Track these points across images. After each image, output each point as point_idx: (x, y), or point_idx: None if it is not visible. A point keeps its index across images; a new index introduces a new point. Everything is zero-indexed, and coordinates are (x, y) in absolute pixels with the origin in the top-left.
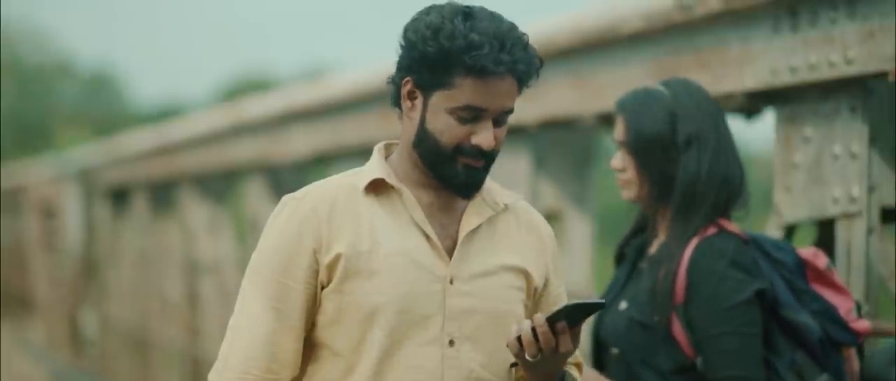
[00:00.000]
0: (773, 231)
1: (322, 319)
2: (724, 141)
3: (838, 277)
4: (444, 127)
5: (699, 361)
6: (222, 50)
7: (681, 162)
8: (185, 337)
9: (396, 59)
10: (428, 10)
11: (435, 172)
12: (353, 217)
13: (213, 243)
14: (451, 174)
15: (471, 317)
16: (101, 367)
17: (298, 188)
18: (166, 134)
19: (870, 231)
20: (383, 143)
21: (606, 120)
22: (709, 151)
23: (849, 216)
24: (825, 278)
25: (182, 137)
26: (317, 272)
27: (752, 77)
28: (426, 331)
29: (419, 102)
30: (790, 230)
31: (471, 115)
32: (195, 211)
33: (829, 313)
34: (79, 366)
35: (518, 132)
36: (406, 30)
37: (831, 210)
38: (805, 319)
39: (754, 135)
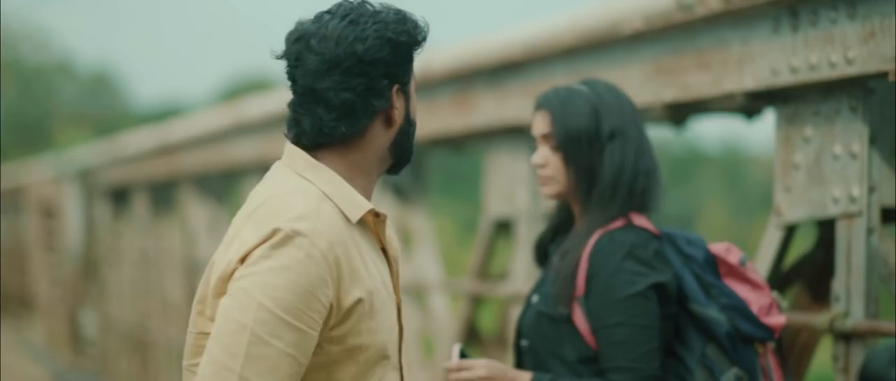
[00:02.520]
0: (773, 231)
1: (320, 360)
2: (644, 138)
3: (754, 272)
4: (416, 105)
5: None
6: (222, 50)
7: (604, 155)
8: (184, 337)
9: (359, 84)
10: (359, 18)
11: (404, 159)
12: (357, 254)
13: (213, 243)
14: (411, 152)
15: (405, 340)
16: (101, 367)
17: None
18: (166, 134)
19: (870, 231)
20: (300, 161)
21: None
22: (631, 144)
23: (849, 216)
24: (738, 274)
25: (182, 137)
26: (328, 318)
27: (753, 77)
28: (391, 359)
29: (402, 100)
30: (790, 230)
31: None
32: (195, 211)
33: (738, 308)
34: (79, 366)
35: (518, 132)
36: (377, 46)
37: (831, 210)
38: (712, 313)
39: (755, 135)
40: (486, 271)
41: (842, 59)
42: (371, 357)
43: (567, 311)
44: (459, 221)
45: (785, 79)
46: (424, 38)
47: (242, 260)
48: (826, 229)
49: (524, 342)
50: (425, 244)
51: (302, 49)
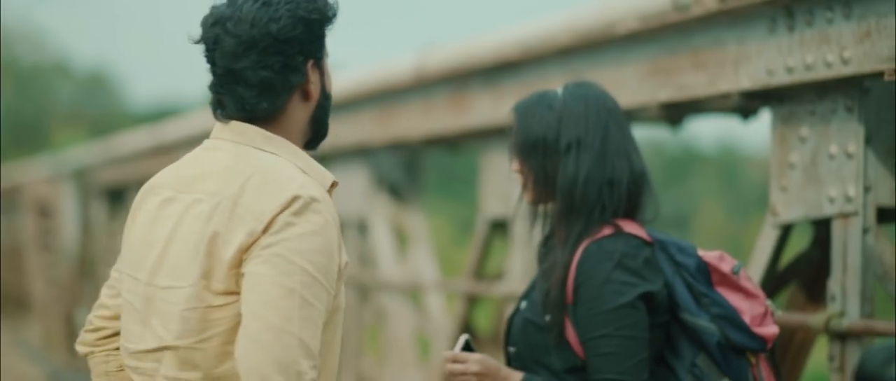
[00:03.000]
0: (769, 231)
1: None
2: (612, 146)
3: (748, 281)
4: (331, 80)
5: None
6: None
7: (560, 167)
8: None
9: (276, 61)
10: None
11: (322, 133)
12: None
13: None
14: (327, 126)
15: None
16: None
17: None
18: (162, 134)
19: (866, 231)
20: (257, 137)
21: None
22: (591, 156)
23: (845, 216)
24: (731, 282)
25: (178, 136)
26: (337, 280)
27: (749, 77)
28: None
29: (317, 75)
30: (786, 230)
31: None
32: None
33: (730, 318)
34: (75, 366)
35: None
36: (291, 25)
37: (827, 210)
38: (703, 322)
39: (751, 134)
40: (482, 270)
41: (838, 59)
42: (340, 317)
43: (556, 321)
44: (455, 221)
45: (781, 79)
46: (334, 14)
47: (266, 230)
48: (822, 228)
49: (512, 349)
50: (421, 244)
51: (219, 32)
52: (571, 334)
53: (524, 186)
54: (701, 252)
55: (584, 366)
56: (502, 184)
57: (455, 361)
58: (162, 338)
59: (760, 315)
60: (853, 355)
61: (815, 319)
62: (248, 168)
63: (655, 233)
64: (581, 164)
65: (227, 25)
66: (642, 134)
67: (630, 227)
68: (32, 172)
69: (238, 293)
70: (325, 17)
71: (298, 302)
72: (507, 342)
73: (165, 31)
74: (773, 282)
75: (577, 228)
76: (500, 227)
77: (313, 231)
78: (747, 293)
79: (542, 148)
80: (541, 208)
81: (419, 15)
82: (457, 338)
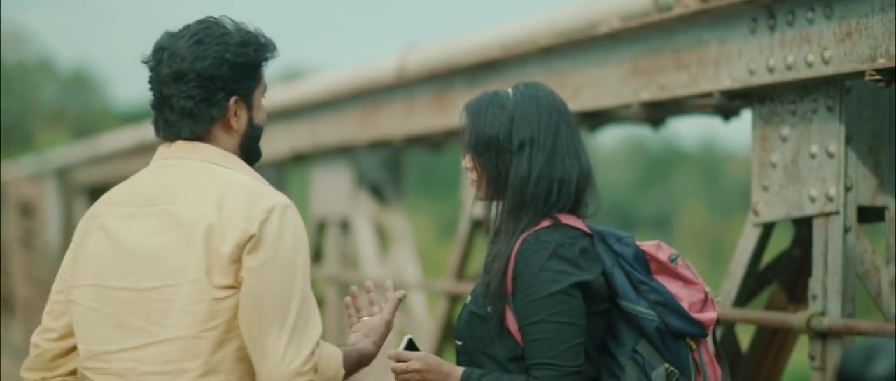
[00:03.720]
0: (750, 230)
1: None
2: (562, 145)
3: (686, 268)
4: (262, 112)
5: None
6: None
7: (512, 165)
8: None
9: (198, 94)
10: (206, 39)
11: (251, 159)
12: None
13: None
14: (258, 153)
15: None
16: None
17: (277, 187)
18: (145, 133)
19: (847, 230)
20: (214, 154)
21: (584, 119)
22: (543, 155)
23: (826, 215)
24: (669, 271)
25: None
26: None
27: (730, 77)
28: None
29: (244, 110)
30: (768, 229)
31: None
32: None
33: (668, 304)
34: None
35: None
36: (215, 65)
37: (808, 209)
38: (642, 309)
39: (733, 132)
40: (465, 270)
41: (819, 59)
42: None
43: (496, 310)
44: (438, 220)
45: (762, 78)
46: (265, 59)
47: (252, 236)
48: (803, 227)
49: (459, 342)
50: (403, 244)
51: (160, 59)
52: (512, 323)
53: (476, 184)
54: (638, 242)
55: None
56: None
57: (398, 360)
58: (155, 333)
59: (700, 302)
60: (834, 354)
61: (797, 318)
62: (221, 182)
63: (596, 226)
64: (533, 162)
65: (164, 55)
66: (624, 133)
67: (569, 219)
68: (15, 172)
69: (236, 287)
70: (252, 61)
71: (305, 285)
72: (456, 336)
73: (148, 32)
74: (755, 281)
75: (523, 222)
76: (482, 226)
77: (295, 231)
78: (686, 281)
79: (495, 147)
80: (492, 205)
81: (401, 15)
82: (400, 339)
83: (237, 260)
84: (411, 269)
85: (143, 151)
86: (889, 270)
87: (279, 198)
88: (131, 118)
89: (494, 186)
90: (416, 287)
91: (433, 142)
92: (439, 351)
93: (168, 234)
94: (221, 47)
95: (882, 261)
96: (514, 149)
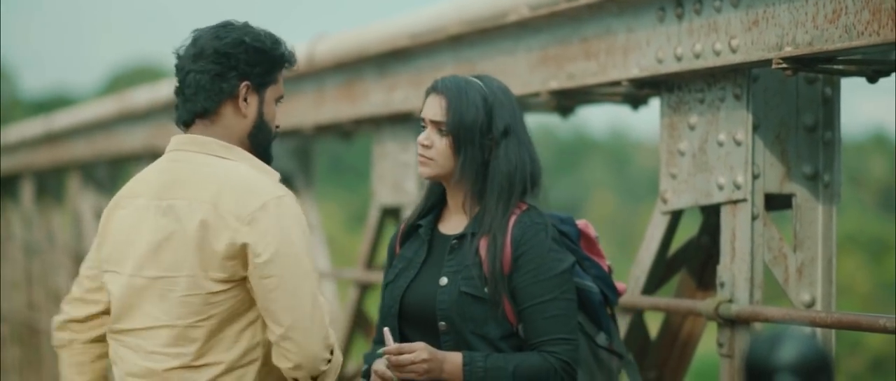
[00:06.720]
0: (658, 217)
1: None
2: (527, 135)
3: (599, 244)
4: (274, 114)
5: (520, 327)
6: (111, 39)
7: (499, 151)
8: None
9: (213, 69)
10: (231, 26)
11: (265, 153)
12: None
13: None
14: (271, 151)
15: None
16: None
17: None
18: (53, 122)
19: (754, 217)
20: (216, 146)
21: None
22: (523, 143)
23: (733, 203)
24: (594, 247)
25: (69, 125)
26: None
27: (638, 65)
28: None
29: (255, 99)
30: (676, 216)
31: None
32: (83, 200)
33: (604, 278)
34: None
35: (406, 120)
36: (232, 44)
37: (716, 197)
38: (589, 283)
39: (641, 120)
40: (375, 259)
41: (726, 47)
42: None
43: (500, 291)
44: (347, 209)
45: (670, 66)
46: (281, 54)
47: (244, 244)
48: (711, 215)
49: (442, 324)
50: (313, 233)
51: (188, 46)
52: (506, 302)
53: (428, 162)
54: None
55: (515, 332)
56: (395, 172)
57: (400, 352)
58: (158, 318)
59: (610, 273)
60: (742, 340)
61: (705, 305)
62: (218, 177)
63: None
64: (521, 151)
65: (190, 41)
66: (533, 121)
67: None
68: None
69: (235, 281)
70: (268, 49)
71: (310, 277)
72: (416, 318)
73: (58, 21)
74: (663, 269)
75: (510, 205)
76: (392, 214)
77: (295, 220)
78: (600, 256)
79: (478, 130)
80: (435, 183)
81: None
82: (383, 329)
83: (232, 257)
84: (321, 258)
85: (52, 141)
86: (796, 257)
87: (272, 191)
88: (40, 108)
89: (471, 168)
90: (325, 276)
91: (343, 130)
92: (349, 340)
93: (169, 228)
94: (241, 32)
95: (789, 248)
96: (498, 135)
